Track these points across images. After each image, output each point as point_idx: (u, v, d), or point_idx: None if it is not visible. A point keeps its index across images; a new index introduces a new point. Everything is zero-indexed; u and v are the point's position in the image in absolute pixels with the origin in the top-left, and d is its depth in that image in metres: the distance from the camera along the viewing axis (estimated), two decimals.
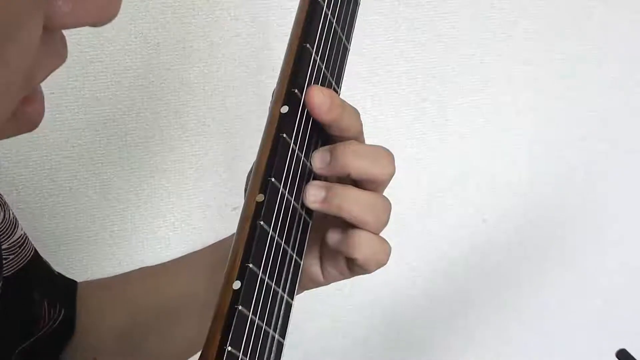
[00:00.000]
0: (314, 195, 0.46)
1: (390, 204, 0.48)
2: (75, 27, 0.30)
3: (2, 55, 0.27)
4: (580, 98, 1.09)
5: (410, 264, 1.08)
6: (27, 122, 0.32)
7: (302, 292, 0.53)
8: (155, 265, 0.64)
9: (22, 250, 0.59)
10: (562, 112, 1.09)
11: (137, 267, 0.91)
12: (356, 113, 0.48)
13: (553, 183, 1.13)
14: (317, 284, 0.53)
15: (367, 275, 0.51)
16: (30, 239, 0.61)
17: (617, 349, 0.82)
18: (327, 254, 0.51)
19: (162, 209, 0.89)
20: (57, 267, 0.65)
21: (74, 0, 0.29)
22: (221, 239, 0.59)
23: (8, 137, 0.32)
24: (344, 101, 0.47)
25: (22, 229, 0.60)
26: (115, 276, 0.64)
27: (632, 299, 1.26)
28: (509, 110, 1.05)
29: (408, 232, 1.05)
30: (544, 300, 1.20)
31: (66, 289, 0.64)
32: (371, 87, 0.96)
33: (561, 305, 1.22)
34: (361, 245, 0.47)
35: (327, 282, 0.53)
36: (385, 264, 0.49)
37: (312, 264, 0.52)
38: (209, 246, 0.60)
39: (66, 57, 0.32)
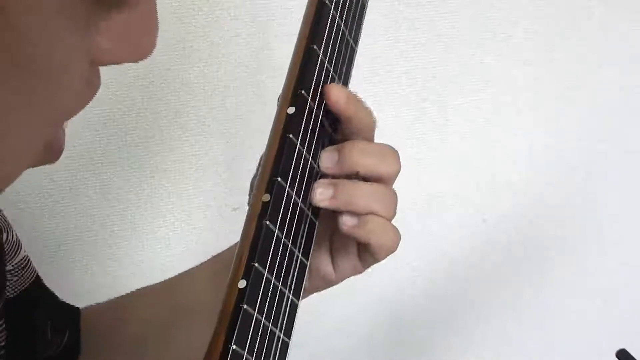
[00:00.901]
0: (322, 193, 0.46)
1: (396, 196, 0.49)
2: (116, 64, 0.31)
3: (52, 98, 0.28)
4: (580, 98, 1.09)
5: (411, 264, 1.08)
6: (53, 152, 0.33)
7: (314, 292, 0.53)
8: (157, 283, 0.64)
9: (25, 272, 0.59)
10: (562, 112, 1.09)
11: (137, 267, 0.90)
12: (370, 111, 0.48)
13: (553, 183, 1.13)
14: (328, 283, 0.53)
15: (368, 274, 0.51)
16: (31, 255, 0.61)
17: (617, 349, 0.82)
18: (338, 246, 0.51)
19: (162, 209, 0.89)
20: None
21: (116, 40, 0.30)
22: (221, 243, 0.59)
23: (31, 167, 0.32)
24: (360, 98, 0.48)
25: (24, 251, 0.59)
26: (118, 297, 0.64)
27: (632, 299, 1.26)
28: (509, 110, 1.05)
29: (408, 232, 1.04)
30: (544, 300, 1.20)
31: (70, 312, 0.64)
32: (371, 87, 0.96)
33: (561, 305, 1.21)
34: (374, 230, 0.47)
35: (337, 279, 0.52)
36: (394, 251, 0.49)
37: (322, 261, 0.52)
38: (209, 260, 0.60)
39: (99, 86, 0.32)
